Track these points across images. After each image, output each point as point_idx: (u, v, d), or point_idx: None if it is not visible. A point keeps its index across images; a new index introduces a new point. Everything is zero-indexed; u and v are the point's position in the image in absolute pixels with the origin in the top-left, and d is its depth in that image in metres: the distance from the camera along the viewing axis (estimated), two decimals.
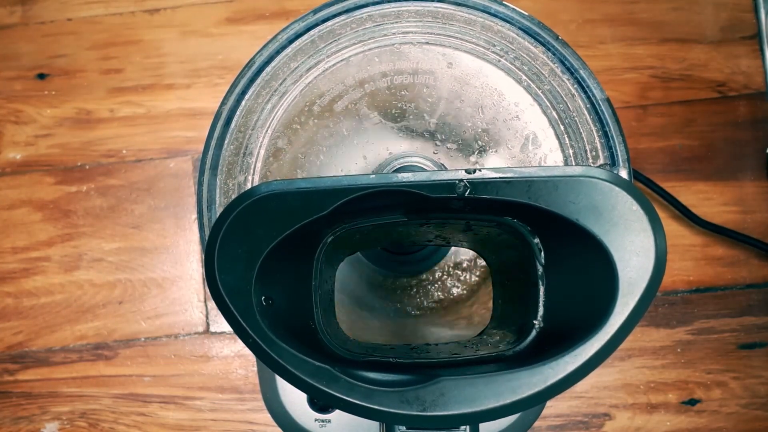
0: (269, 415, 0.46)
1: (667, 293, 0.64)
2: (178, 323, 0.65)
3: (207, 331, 0.65)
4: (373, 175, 0.27)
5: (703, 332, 0.63)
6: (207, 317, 0.65)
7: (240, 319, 0.27)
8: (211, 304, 0.65)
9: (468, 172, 0.27)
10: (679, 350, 0.63)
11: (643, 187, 0.63)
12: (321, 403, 0.44)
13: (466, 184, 0.26)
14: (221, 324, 0.65)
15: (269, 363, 0.27)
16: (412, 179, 0.27)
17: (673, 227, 0.64)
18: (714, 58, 0.66)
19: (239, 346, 0.64)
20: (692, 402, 0.62)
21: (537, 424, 0.62)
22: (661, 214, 0.63)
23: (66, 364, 0.65)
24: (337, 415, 0.44)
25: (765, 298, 0.63)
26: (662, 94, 0.66)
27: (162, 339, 0.65)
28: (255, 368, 0.64)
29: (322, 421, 0.44)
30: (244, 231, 0.27)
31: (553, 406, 0.63)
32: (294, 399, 0.45)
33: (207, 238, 0.32)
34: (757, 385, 0.62)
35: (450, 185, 0.26)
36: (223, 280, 0.27)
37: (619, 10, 0.67)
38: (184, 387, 0.64)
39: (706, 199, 0.64)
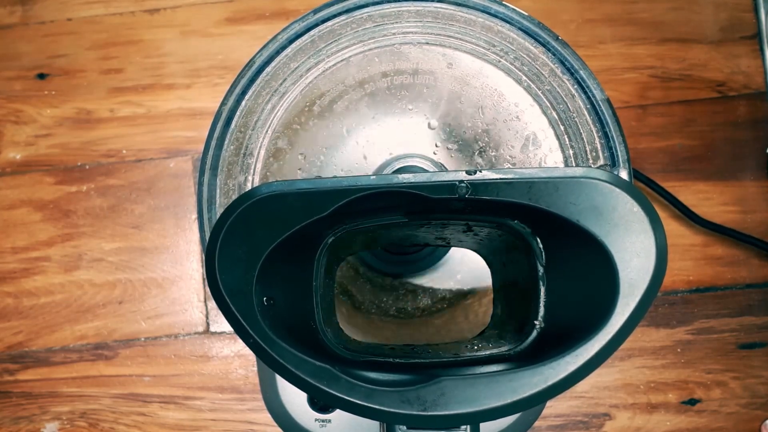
0: (269, 415, 0.46)
1: (667, 293, 0.64)
2: (178, 323, 0.65)
3: (207, 331, 0.65)
4: (374, 176, 0.27)
5: (703, 332, 0.63)
6: (207, 317, 0.65)
7: (241, 320, 0.27)
8: (211, 303, 0.65)
9: (468, 173, 0.27)
10: (679, 350, 0.63)
11: (644, 187, 0.63)
12: (321, 403, 0.44)
13: (466, 185, 0.26)
14: (221, 324, 0.65)
15: (270, 363, 0.27)
16: (413, 180, 0.27)
17: (673, 227, 0.64)
18: (714, 57, 0.66)
19: (239, 346, 0.64)
20: (692, 402, 0.62)
21: (537, 423, 0.62)
22: (661, 214, 0.63)
23: (66, 364, 0.65)
24: (338, 415, 0.44)
25: (765, 297, 0.63)
26: (662, 93, 0.66)
27: (162, 339, 0.65)
28: (255, 368, 0.64)
29: (323, 421, 0.44)
30: (244, 232, 0.27)
31: (553, 406, 0.63)
32: (294, 399, 0.45)
33: (208, 238, 0.32)
34: (757, 384, 0.62)
35: (450, 186, 0.26)
36: (224, 281, 0.27)
37: (619, 10, 0.67)
38: (184, 387, 0.64)
39: (706, 198, 0.65)
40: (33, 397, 0.64)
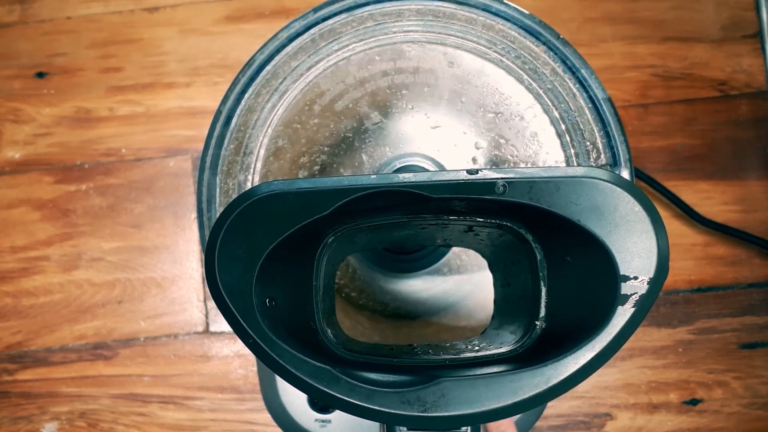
0: (269, 415, 0.46)
1: (669, 293, 0.63)
2: (177, 323, 0.65)
3: (206, 330, 0.65)
4: (374, 176, 0.27)
5: (704, 332, 0.63)
6: (207, 317, 0.65)
7: (240, 320, 0.26)
8: (211, 303, 0.65)
9: (469, 172, 0.26)
10: (680, 350, 0.63)
11: (645, 186, 0.63)
12: (321, 403, 0.44)
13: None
14: (221, 324, 0.65)
15: (269, 363, 0.27)
16: (413, 179, 0.26)
17: (674, 226, 0.64)
18: (715, 56, 0.66)
19: (239, 345, 0.64)
20: (694, 402, 0.62)
21: (538, 424, 0.62)
22: (663, 213, 0.63)
23: (65, 363, 0.64)
24: (338, 416, 0.44)
25: (767, 297, 0.63)
26: (663, 92, 0.66)
27: (161, 339, 0.64)
28: (255, 368, 0.64)
29: (322, 421, 0.44)
30: (244, 231, 0.26)
31: (554, 407, 0.62)
32: (294, 399, 0.45)
33: (207, 238, 0.32)
34: (758, 384, 0.62)
35: (451, 186, 0.26)
36: (224, 281, 0.26)
37: (620, 8, 0.67)
38: (183, 387, 0.64)
39: (707, 198, 0.64)
40: (32, 397, 0.64)
